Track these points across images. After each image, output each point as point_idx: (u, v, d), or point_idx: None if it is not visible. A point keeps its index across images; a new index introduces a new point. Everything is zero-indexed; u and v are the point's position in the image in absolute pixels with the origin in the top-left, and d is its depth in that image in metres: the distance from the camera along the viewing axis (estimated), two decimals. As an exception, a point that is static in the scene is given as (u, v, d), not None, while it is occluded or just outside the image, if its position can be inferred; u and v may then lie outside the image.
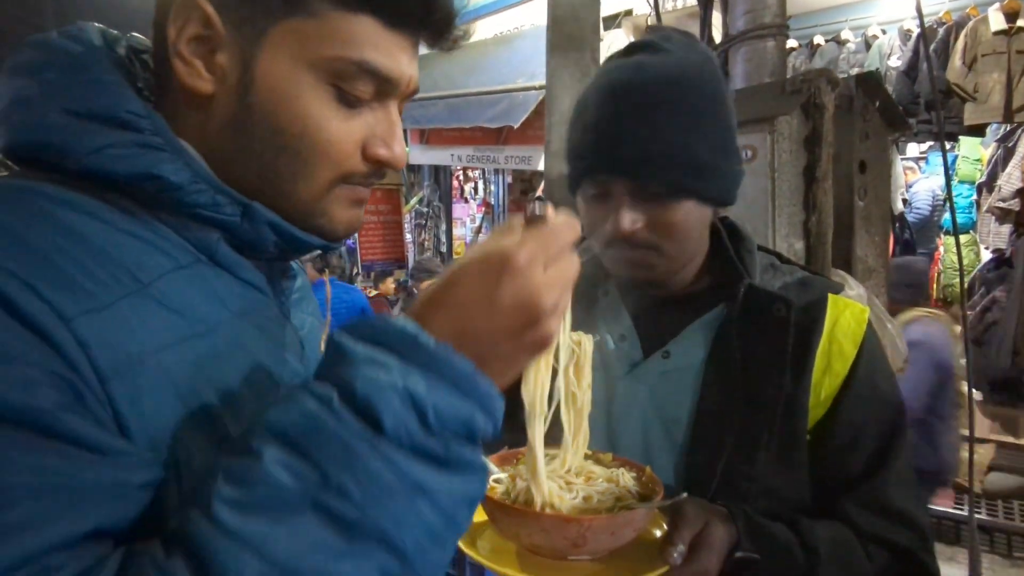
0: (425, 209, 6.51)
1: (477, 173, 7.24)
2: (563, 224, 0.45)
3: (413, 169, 6.53)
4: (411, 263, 6.72)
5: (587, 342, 0.64)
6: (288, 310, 0.58)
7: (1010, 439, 3.51)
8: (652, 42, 0.74)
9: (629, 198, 0.73)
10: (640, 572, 0.60)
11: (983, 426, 3.60)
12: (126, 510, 0.40)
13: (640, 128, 0.71)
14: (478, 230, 7.36)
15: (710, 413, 0.76)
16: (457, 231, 6.96)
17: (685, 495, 0.65)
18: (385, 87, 0.51)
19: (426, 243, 6.51)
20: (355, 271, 7.20)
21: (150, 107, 0.48)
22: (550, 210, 0.45)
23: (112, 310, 0.42)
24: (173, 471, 0.43)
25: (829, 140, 1.43)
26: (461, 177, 7.19)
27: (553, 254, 0.43)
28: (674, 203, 0.73)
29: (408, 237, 6.89)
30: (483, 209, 7.41)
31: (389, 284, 6.17)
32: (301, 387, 0.40)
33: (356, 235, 6.93)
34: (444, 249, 6.61)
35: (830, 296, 0.78)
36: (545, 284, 0.42)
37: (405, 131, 5.68)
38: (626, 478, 0.67)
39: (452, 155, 5.66)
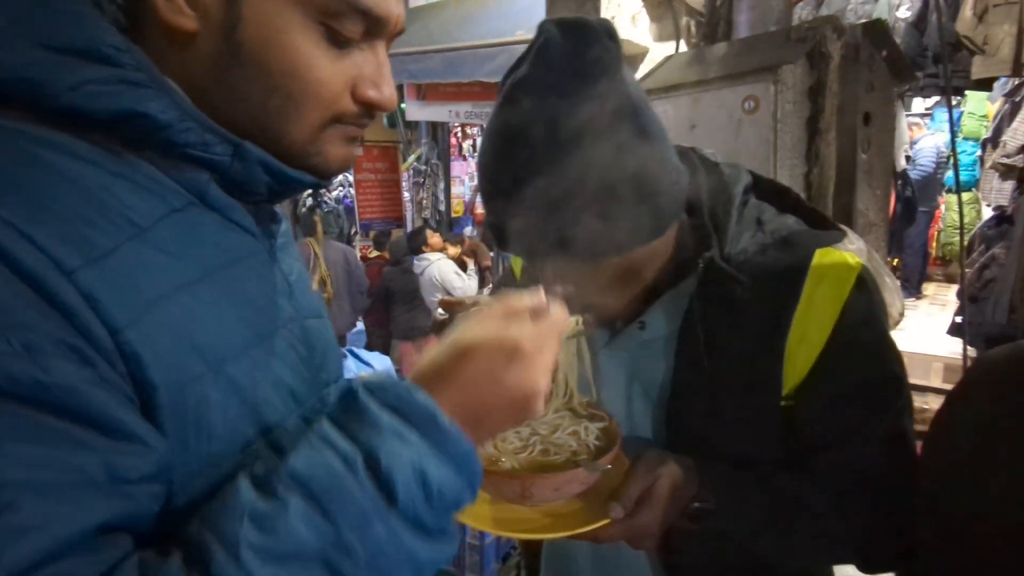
0: (423, 167, 6.44)
1: (476, 130, 7.14)
2: (560, 317, 0.52)
3: (410, 126, 6.42)
4: (409, 222, 6.69)
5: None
6: (276, 254, 0.58)
7: (1002, 394, 3.56)
8: (533, 81, 0.64)
9: (549, 271, 0.69)
10: (585, 523, 0.64)
11: (976, 382, 3.64)
12: (137, 505, 0.40)
13: (529, 208, 0.64)
14: (477, 189, 7.29)
15: (684, 384, 0.75)
16: (455, 189, 6.90)
17: (662, 451, 0.70)
18: (374, 27, 0.50)
19: (424, 202, 6.46)
20: (353, 230, 7.17)
21: (128, 41, 0.45)
22: (550, 303, 0.52)
23: (115, 256, 0.41)
24: (195, 434, 0.43)
25: (834, 90, 1.40)
26: (459, 134, 7.09)
27: (552, 342, 0.50)
28: (598, 266, 0.68)
29: (406, 196, 6.83)
30: (481, 167, 7.32)
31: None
32: (324, 435, 0.43)
33: (354, 193, 6.91)
34: (443, 208, 6.56)
35: (817, 253, 0.72)
36: (543, 369, 0.49)
37: (401, 86, 5.57)
38: (590, 431, 0.71)
39: (450, 111, 5.57)
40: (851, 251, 0.75)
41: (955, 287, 6.04)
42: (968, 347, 2.28)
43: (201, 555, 0.38)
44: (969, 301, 3.66)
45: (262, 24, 0.47)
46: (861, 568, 0.76)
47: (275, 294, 0.54)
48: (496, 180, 0.67)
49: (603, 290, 0.72)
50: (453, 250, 4.80)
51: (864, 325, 0.72)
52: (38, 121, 0.43)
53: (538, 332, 0.49)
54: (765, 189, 0.82)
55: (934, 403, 3.53)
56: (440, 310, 0.80)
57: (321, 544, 0.40)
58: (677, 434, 0.75)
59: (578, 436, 0.70)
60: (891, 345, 0.74)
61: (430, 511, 0.43)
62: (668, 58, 1.81)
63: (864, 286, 0.72)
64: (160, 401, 0.41)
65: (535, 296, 0.52)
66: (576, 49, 0.64)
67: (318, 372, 0.58)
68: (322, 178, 0.54)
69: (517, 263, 1.01)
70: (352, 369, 3.28)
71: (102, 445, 0.38)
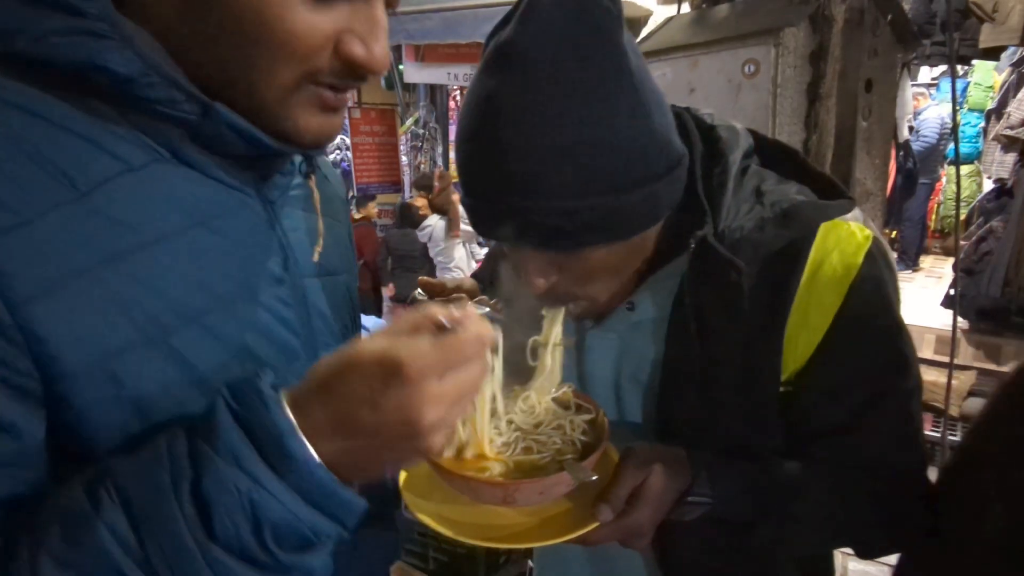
0: (421, 131, 6.35)
1: (474, 94, 7.02)
2: (473, 337, 0.42)
3: (408, 88, 6.32)
4: (407, 187, 6.63)
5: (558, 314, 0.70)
6: (277, 210, 0.55)
7: (992, 366, 3.59)
8: (522, 45, 0.58)
9: (530, 259, 0.66)
10: (574, 525, 0.60)
11: (967, 353, 3.68)
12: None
13: (510, 192, 0.59)
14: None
15: (675, 368, 0.71)
16: (453, 154, 6.82)
17: (650, 445, 0.68)
18: None
19: (422, 166, 6.39)
20: (351, 194, 7.11)
21: None
22: (462, 319, 0.43)
23: (36, 225, 0.40)
24: (120, 404, 0.43)
25: (836, 55, 1.38)
26: (458, 97, 6.98)
27: (453, 367, 0.41)
28: (582, 255, 0.64)
29: (404, 160, 6.76)
30: (480, 132, 7.21)
31: (372, 208, 6.08)
32: (171, 441, 0.39)
33: (351, 157, 6.82)
34: (440, 173, 6.51)
35: (822, 228, 0.67)
36: (433, 398, 0.40)
37: (399, 47, 5.46)
38: (576, 423, 0.67)
39: (449, 73, 5.47)
40: (860, 222, 0.70)
41: (952, 260, 6.04)
42: (959, 319, 2.30)
43: (12, 549, 0.37)
44: (964, 273, 3.67)
45: None
46: (859, 554, 0.75)
47: (261, 255, 0.51)
48: (474, 157, 0.62)
49: (587, 280, 0.69)
50: (420, 200, 5.08)
51: (872, 306, 0.67)
52: (5, 70, 0.42)
53: (435, 353, 0.40)
54: (769, 152, 0.77)
55: (925, 375, 3.56)
56: (419, 290, 0.79)
57: (124, 564, 0.37)
58: (668, 420, 0.72)
59: (563, 431, 0.66)
60: (900, 325, 0.70)
61: (263, 550, 0.39)
62: (669, 19, 1.77)
63: (873, 261, 0.67)
64: (65, 372, 0.41)
65: (458, 309, 0.44)
66: (574, 12, 0.58)
67: (316, 335, 0.56)
68: (300, 147, 0.50)
69: None
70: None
71: None
